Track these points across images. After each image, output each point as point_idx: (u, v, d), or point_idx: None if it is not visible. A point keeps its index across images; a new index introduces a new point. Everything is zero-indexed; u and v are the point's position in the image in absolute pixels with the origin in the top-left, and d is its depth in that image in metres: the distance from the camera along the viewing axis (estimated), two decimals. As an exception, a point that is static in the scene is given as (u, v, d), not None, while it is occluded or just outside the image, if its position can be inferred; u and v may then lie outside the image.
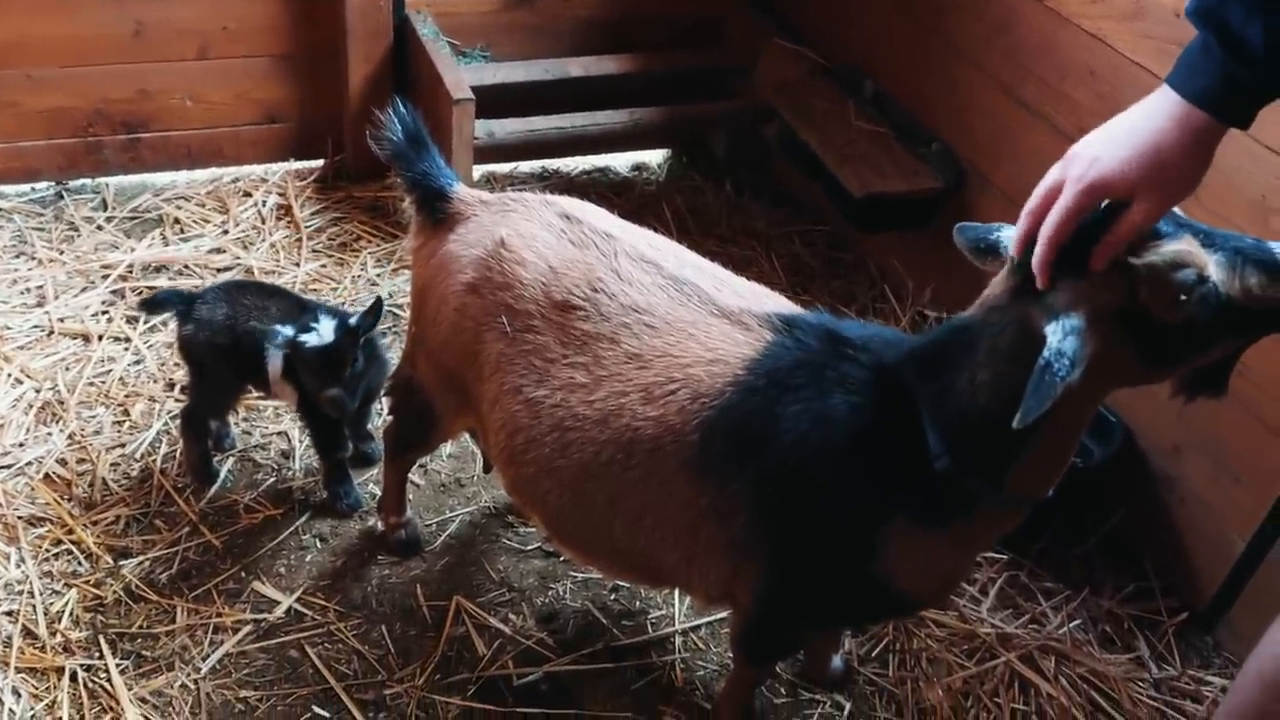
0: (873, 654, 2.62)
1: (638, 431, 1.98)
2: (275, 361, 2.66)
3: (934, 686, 2.53)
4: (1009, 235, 1.73)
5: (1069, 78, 2.94)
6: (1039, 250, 1.57)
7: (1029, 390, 1.55)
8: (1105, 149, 1.51)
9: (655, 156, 4.41)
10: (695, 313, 2.02)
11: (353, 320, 2.56)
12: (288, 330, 2.56)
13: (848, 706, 2.51)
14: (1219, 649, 2.70)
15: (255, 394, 3.00)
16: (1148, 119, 1.49)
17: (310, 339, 2.52)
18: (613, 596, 2.70)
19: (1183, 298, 1.54)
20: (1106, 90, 2.82)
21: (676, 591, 2.70)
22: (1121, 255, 1.56)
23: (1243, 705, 1.92)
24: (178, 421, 2.93)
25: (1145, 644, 2.67)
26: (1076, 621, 2.70)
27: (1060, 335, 1.56)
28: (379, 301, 2.59)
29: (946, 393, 1.75)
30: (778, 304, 2.09)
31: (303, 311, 2.73)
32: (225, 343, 2.69)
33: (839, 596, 2.04)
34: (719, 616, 2.65)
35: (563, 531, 2.25)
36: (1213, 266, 1.55)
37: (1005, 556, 2.82)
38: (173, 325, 3.18)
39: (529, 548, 2.80)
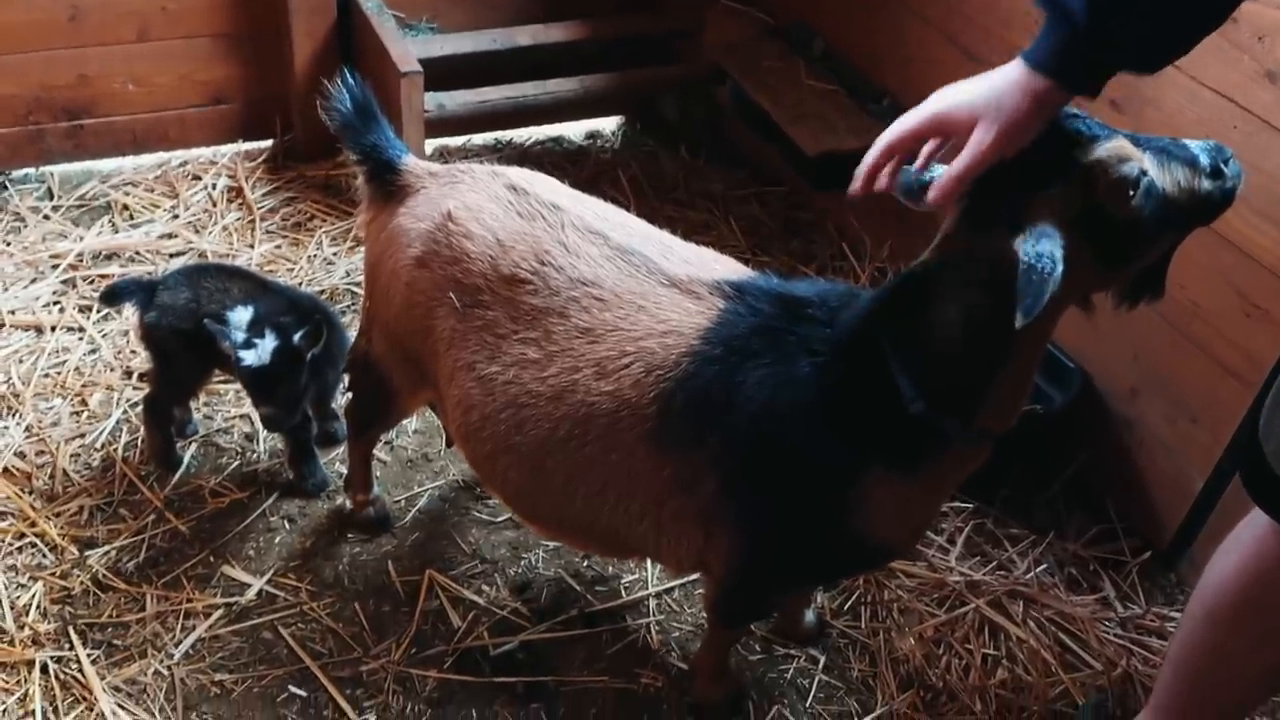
0: (845, 607, 2.65)
1: (593, 407, 1.97)
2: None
3: (906, 636, 2.57)
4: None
5: (1013, 26, 2.95)
6: (867, 156, 1.71)
7: (1020, 291, 1.56)
8: (953, 89, 1.63)
9: (609, 124, 4.39)
10: (644, 284, 2.01)
11: (297, 339, 2.50)
12: (238, 335, 2.52)
13: (822, 660, 2.54)
14: (1182, 586, 2.75)
15: (218, 378, 2.97)
16: (1000, 76, 1.58)
17: (248, 357, 2.48)
18: (585, 564, 2.71)
19: (1131, 192, 1.59)
20: (1053, 39, 2.83)
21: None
22: (1076, 155, 1.61)
23: (1192, 638, 1.97)
24: (138, 409, 2.90)
25: (1110, 584, 2.72)
26: (1043, 566, 2.75)
27: (1034, 240, 1.58)
28: (319, 327, 2.53)
29: (916, 335, 1.76)
30: (726, 268, 2.08)
31: (266, 291, 2.69)
32: (188, 328, 2.65)
33: (817, 555, 2.06)
34: (692, 578, 2.67)
35: (525, 508, 2.25)
36: (1148, 162, 1.62)
37: (971, 505, 2.86)
38: (128, 312, 3.15)
39: (499, 519, 2.80)
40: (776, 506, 1.96)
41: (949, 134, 1.66)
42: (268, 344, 2.49)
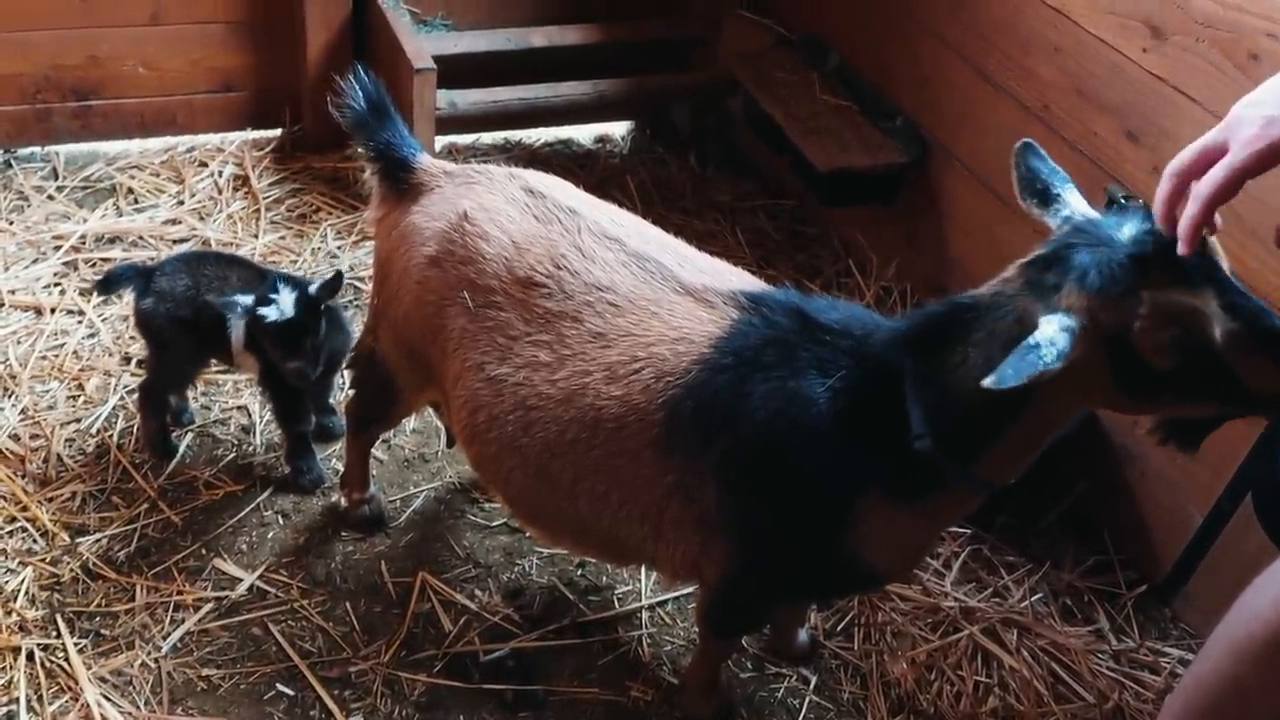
0: (838, 628, 2.63)
1: (602, 411, 1.97)
2: (238, 332, 2.61)
3: (898, 660, 2.56)
4: (1069, 203, 1.69)
5: (1032, 52, 2.94)
6: (1193, 209, 1.44)
7: (1011, 359, 1.52)
8: (1255, 107, 1.41)
9: (619, 129, 4.37)
10: (658, 291, 2.01)
11: (312, 289, 2.52)
12: (247, 300, 2.52)
13: (813, 680, 2.53)
14: (1176, 621, 2.74)
15: (215, 368, 2.95)
16: None
17: (270, 312, 2.48)
18: (579, 572, 2.70)
19: (1170, 348, 1.52)
20: (1071, 66, 2.83)
21: (643, 567, 2.70)
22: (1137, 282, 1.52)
23: (1213, 673, 1.95)
24: (135, 396, 2.88)
25: (1105, 616, 2.71)
26: (1038, 595, 2.74)
27: (1055, 328, 1.53)
28: (339, 275, 2.57)
29: (938, 369, 1.75)
30: (741, 280, 2.08)
31: (263, 281, 2.68)
32: (186, 315, 2.63)
33: (808, 572, 2.05)
34: (685, 592, 2.65)
35: (526, 510, 2.24)
36: (1219, 331, 1.49)
37: (968, 531, 2.85)
38: (128, 298, 3.12)
39: (494, 523, 2.79)
40: (773, 519, 1.96)
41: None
42: (286, 296, 2.49)
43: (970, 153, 3.23)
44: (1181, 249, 1.49)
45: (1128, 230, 1.57)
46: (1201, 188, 1.45)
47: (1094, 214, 1.68)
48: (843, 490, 1.88)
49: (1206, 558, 2.64)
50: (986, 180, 3.15)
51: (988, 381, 1.52)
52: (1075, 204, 1.71)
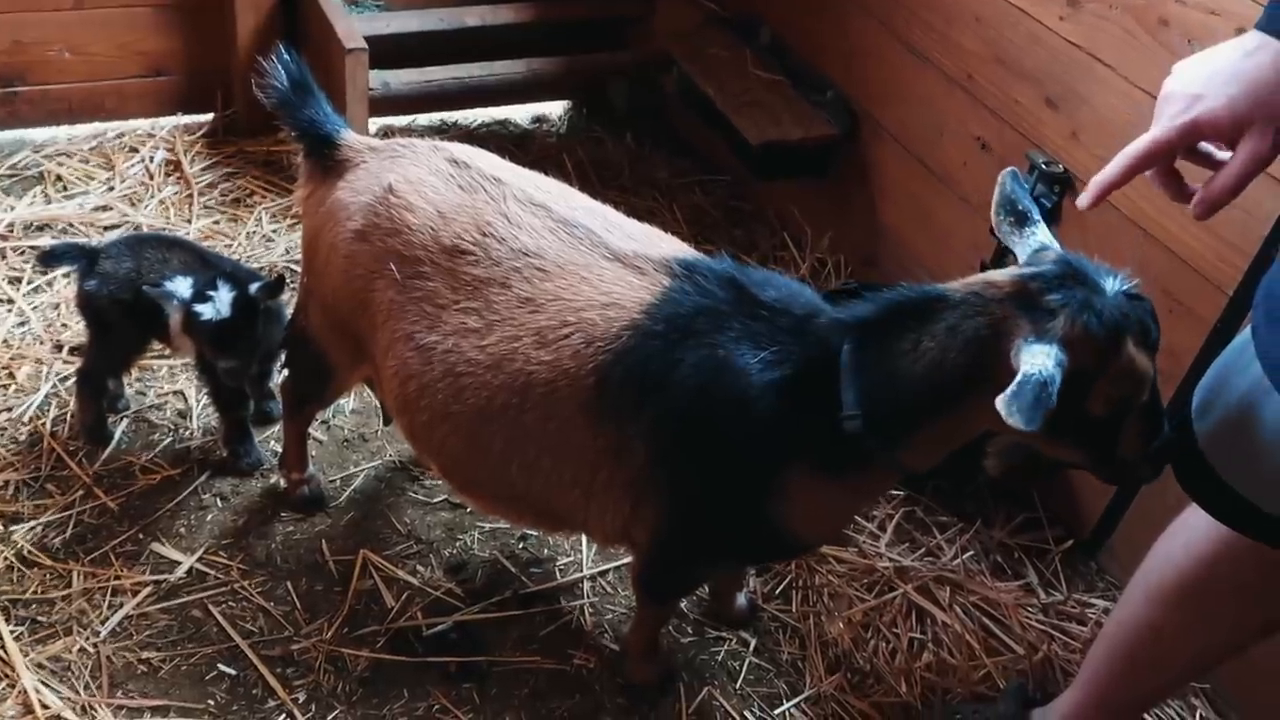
0: (777, 591, 2.68)
1: (532, 376, 1.99)
2: (175, 316, 2.60)
3: (835, 620, 2.61)
4: (1039, 234, 1.79)
5: (955, 23, 2.99)
6: (1108, 169, 1.50)
7: (1029, 398, 1.53)
8: (1208, 87, 1.44)
9: (556, 108, 4.38)
10: (587, 256, 2.03)
11: (252, 289, 2.51)
12: (184, 293, 2.51)
13: (753, 643, 2.57)
14: (1101, 574, 2.82)
15: (151, 353, 2.93)
16: (1245, 56, 1.42)
17: (205, 310, 2.47)
18: (520, 545, 2.72)
19: (1115, 402, 1.63)
20: (991, 35, 2.88)
21: (584, 537, 2.73)
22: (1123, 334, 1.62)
23: (1130, 618, 2.03)
24: (68, 384, 2.85)
25: (1034, 571, 2.78)
26: (969, 553, 2.80)
27: (1051, 361, 1.57)
28: (281, 279, 2.57)
29: (885, 353, 1.78)
30: (673, 247, 2.10)
31: (205, 265, 2.67)
32: (129, 298, 2.61)
33: (735, 537, 2.09)
34: (626, 561, 2.68)
35: (461, 478, 2.26)
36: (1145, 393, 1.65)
37: (902, 493, 2.91)
38: (59, 285, 3.10)
39: (435, 500, 2.80)
40: (700, 485, 2.00)
41: (1208, 140, 1.49)
42: (224, 294, 2.47)
43: (898, 124, 3.28)
44: (1082, 200, 1.55)
45: (1113, 284, 1.66)
46: (1124, 153, 1.50)
47: (1070, 253, 1.75)
48: (769, 460, 1.92)
49: (1128, 512, 2.72)
50: (914, 150, 3.21)
51: (1015, 422, 1.53)
52: (1045, 237, 1.80)
